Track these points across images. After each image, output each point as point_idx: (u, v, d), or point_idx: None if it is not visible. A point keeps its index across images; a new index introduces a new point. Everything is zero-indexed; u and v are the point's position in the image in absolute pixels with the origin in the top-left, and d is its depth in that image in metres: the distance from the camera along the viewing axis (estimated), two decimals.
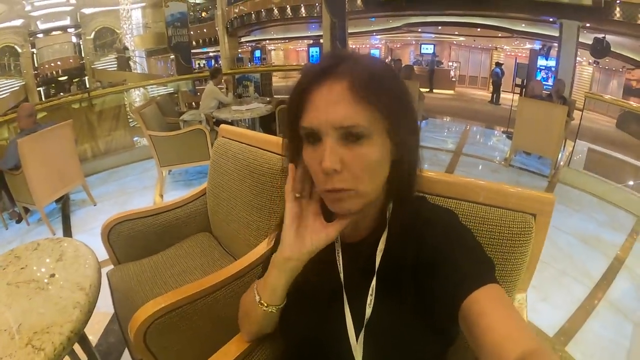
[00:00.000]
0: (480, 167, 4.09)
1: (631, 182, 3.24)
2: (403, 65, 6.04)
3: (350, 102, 0.46)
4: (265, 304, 0.60)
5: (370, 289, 0.56)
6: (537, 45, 10.19)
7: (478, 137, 5.54)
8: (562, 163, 3.80)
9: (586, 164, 3.69)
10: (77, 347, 1.06)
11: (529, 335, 0.42)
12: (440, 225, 0.55)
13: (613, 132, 5.24)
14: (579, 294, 1.98)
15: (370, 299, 0.55)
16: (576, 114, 4.14)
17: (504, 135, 5.31)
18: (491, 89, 10.29)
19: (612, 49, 4.60)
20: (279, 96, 6.50)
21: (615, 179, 3.25)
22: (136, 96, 5.68)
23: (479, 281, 0.47)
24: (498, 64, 10.22)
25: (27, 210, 2.91)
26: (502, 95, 9.44)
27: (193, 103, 5.71)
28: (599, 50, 4.63)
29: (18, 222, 2.92)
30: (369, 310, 0.55)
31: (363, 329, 0.55)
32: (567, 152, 3.97)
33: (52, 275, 0.97)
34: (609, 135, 5.16)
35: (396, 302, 0.55)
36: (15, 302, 0.88)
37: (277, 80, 7.94)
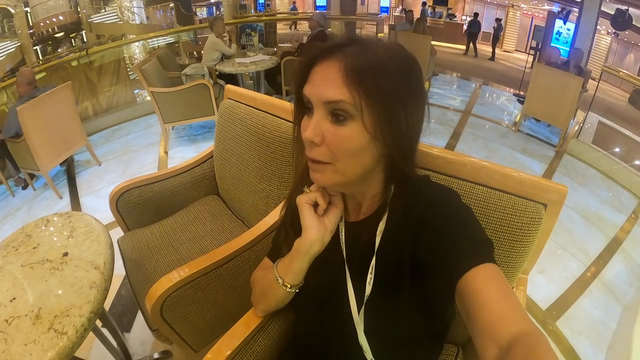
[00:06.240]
0: (488, 130, 3.99)
1: (638, 162, 3.17)
2: (416, 19, 5.67)
3: (340, 82, 0.48)
4: (289, 286, 0.63)
5: (370, 267, 0.58)
6: (555, 8, 9.63)
7: (488, 97, 5.37)
8: (570, 133, 3.72)
9: (595, 137, 3.60)
10: None
11: (523, 317, 0.43)
12: (441, 206, 0.56)
13: (625, 107, 5.08)
14: (575, 270, 2.01)
15: (370, 277, 0.58)
16: (590, 83, 4.00)
17: (515, 98, 5.16)
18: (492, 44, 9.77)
19: (633, 22, 4.32)
20: (283, 45, 6.24)
21: (622, 157, 3.19)
22: (135, 47, 5.42)
23: (476, 259, 0.48)
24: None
25: (32, 175, 2.90)
26: (516, 55, 8.77)
27: (195, 53, 5.48)
28: (620, 22, 4.37)
29: (24, 188, 2.92)
30: (368, 288, 0.58)
31: (363, 305, 0.58)
32: (577, 122, 3.88)
33: (66, 254, 0.97)
34: (621, 110, 5.01)
35: (395, 281, 0.58)
36: (32, 284, 0.89)
37: (281, 27, 7.51)
